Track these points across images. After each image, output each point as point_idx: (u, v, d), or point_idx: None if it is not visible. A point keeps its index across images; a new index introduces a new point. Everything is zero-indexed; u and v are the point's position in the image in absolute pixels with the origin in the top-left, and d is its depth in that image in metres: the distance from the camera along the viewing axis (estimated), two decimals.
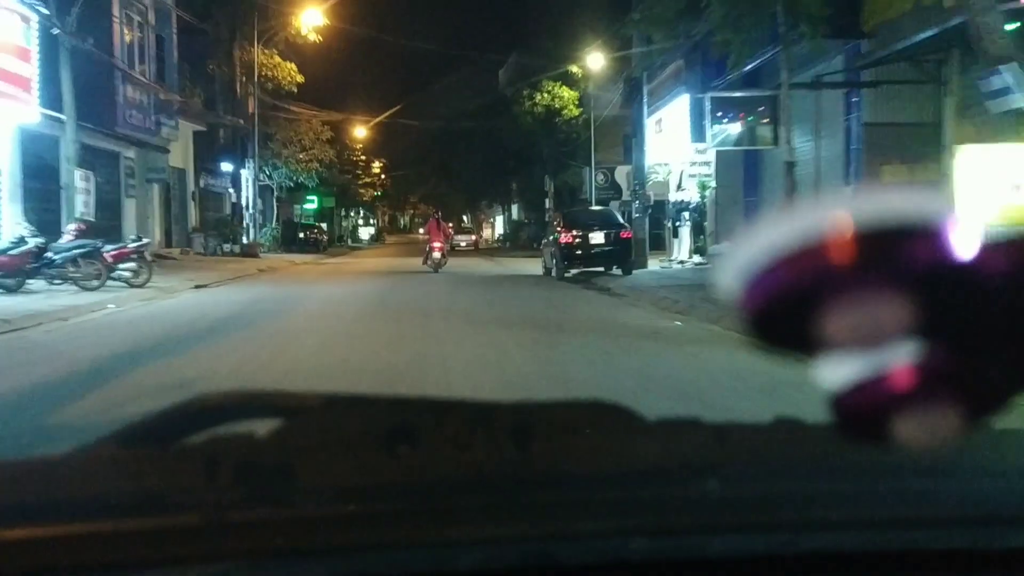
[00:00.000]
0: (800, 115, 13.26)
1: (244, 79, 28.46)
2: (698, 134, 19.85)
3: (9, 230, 14.35)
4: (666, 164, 22.69)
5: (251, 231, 30.10)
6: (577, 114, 34.19)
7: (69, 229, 14.05)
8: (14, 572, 0.66)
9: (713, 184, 20.10)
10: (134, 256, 13.97)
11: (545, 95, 34.84)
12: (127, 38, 21.36)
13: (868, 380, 0.40)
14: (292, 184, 33.86)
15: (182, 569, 0.67)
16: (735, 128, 15.04)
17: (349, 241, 58.72)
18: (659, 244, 22.04)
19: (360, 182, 52.90)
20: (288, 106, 31.70)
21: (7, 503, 0.80)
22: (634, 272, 17.36)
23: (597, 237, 17.31)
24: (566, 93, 34.69)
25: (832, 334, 0.39)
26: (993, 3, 8.59)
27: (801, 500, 0.81)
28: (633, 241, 17.70)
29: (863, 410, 0.41)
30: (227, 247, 27.67)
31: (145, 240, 14.42)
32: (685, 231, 21.58)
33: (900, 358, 0.40)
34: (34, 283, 13.02)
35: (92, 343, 8.08)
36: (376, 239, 72.61)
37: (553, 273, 18.21)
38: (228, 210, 30.39)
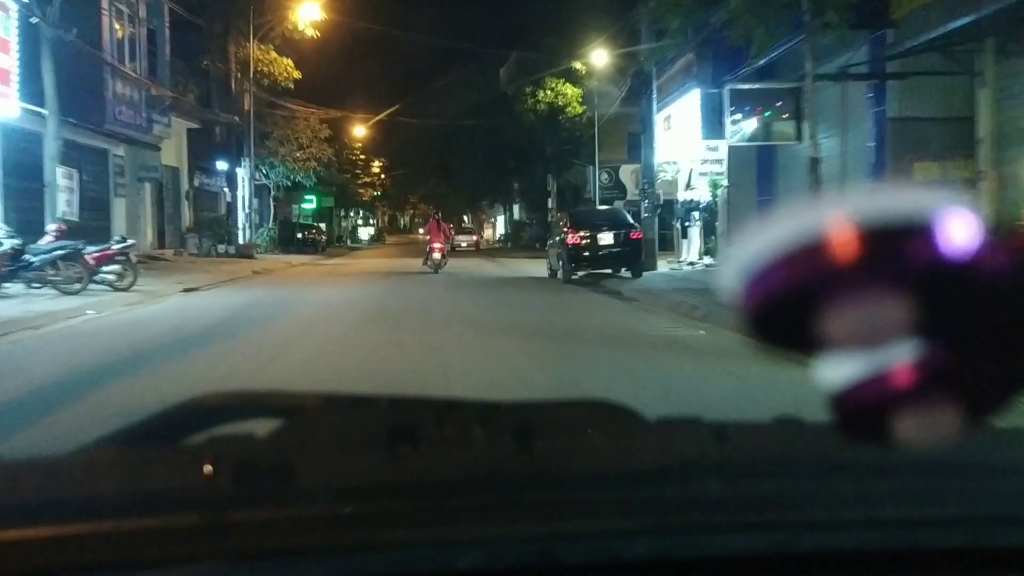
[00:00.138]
0: (822, 109, 12.48)
1: (239, 75, 27.67)
2: (710, 131, 19.11)
3: None
4: (674, 162, 21.95)
5: (247, 231, 29.32)
6: (581, 112, 33.44)
7: (49, 230, 13.31)
8: (15, 572, 0.66)
9: (725, 183, 19.31)
10: (118, 258, 13.22)
11: (548, 92, 34.10)
12: (117, 31, 20.57)
13: (868, 379, 0.41)
14: (289, 183, 33.06)
15: (183, 568, 0.67)
16: (750, 124, 14.19)
17: (348, 241, 58.05)
18: (665, 245, 21.29)
19: (359, 182, 52.17)
20: (285, 103, 30.92)
21: (8, 503, 0.80)
22: (644, 274, 16.63)
23: (606, 238, 16.55)
24: (569, 90, 33.96)
25: (832, 333, 0.40)
26: None
27: (802, 499, 0.81)
28: (643, 242, 16.94)
29: (863, 409, 0.41)
30: (222, 248, 26.92)
31: (130, 241, 13.65)
32: (694, 231, 20.87)
33: (900, 357, 0.40)
34: (12, 287, 12.27)
35: (59, 356, 7.33)
36: (376, 239, 71.99)
37: (559, 275, 17.46)
38: (223, 210, 29.64)
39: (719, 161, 19.49)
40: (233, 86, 27.72)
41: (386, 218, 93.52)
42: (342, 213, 58.96)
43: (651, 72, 18.67)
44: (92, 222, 18.75)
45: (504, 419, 1.07)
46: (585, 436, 1.04)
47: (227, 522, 0.73)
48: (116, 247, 13.25)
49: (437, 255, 19.95)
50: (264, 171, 31.51)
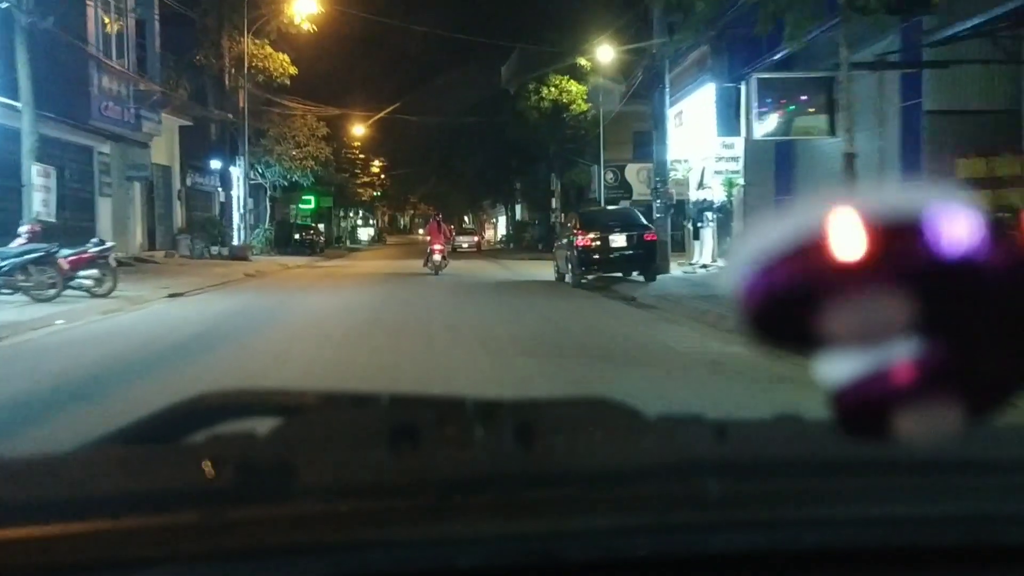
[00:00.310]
0: (855, 101, 11.48)
1: (233, 71, 26.70)
2: (726, 127, 18.18)
3: None
4: (685, 160, 21.02)
5: (242, 232, 28.34)
6: (586, 109, 32.47)
7: (22, 231, 12.38)
8: (16, 570, 0.66)
9: (741, 182, 18.36)
10: (96, 262, 12.25)
11: (552, 89, 33.12)
12: (103, 23, 19.62)
13: (868, 376, 0.41)
14: (286, 183, 32.02)
15: (184, 566, 0.67)
16: (777, 118, 13.18)
17: (348, 242, 57.15)
18: (675, 246, 20.33)
19: (359, 181, 51.21)
20: (281, 101, 29.95)
21: (10, 501, 0.80)
22: (657, 278, 15.68)
23: (618, 240, 15.59)
24: (574, 87, 32.98)
25: (832, 330, 0.40)
26: None
27: (803, 497, 0.81)
28: (657, 244, 15.99)
29: (864, 406, 0.42)
30: (215, 250, 25.97)
31: (109, 244, 12.67)
32: (707, 232, 19.94)
33: (900, 354, 0.41)
34: None
35: (6, 377, 6.39)
36: (377, 239, 71.11)
37: (567, 279, 16.52)
38: (217, 210, 28.69)
39: (735, 159, 18.58)
40: (227, 82, 26.73)
41: (386, 218, 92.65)
42: (341, 213, 58.05)
43: (664, 65, 17.70)
44: (75, 223, 17.82)
45: (505, 417, 1.05)
46: (586, 434, 1.03)
47: (228, 520, 0.73)
48: (93, 250, 12.29)
49: (437, 257, 19.69)
50: (260, 170, 30.52)
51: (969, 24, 10.66)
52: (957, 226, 0.39)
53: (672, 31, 17.86)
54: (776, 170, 18.05)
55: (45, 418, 4.82)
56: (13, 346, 8.21)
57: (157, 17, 22.57)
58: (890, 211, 0.39)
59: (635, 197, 32.48)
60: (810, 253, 0.39)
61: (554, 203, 37.32)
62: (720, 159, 18.57)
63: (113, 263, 12.47)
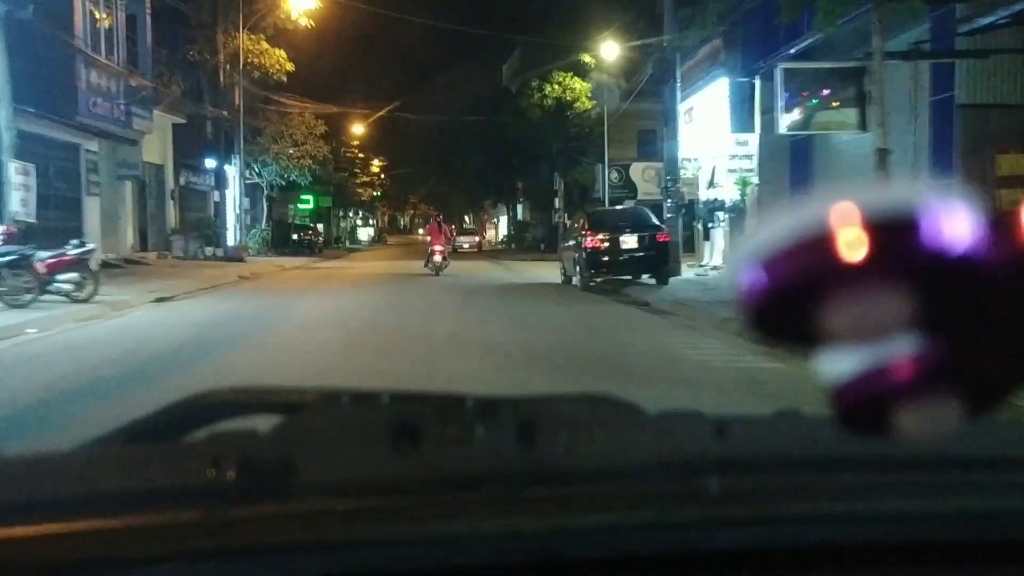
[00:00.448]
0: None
1: (228, 67, 25.92)
2: (739, 123, 17.46)
3: None
4: (695, 159, 20.26)
5: (238, 233, 27.58)
6: (590, 107, 31.70)
7: None
8: (19, 568, 0.66)
9: (755, 180, 17.59)
10: (76, 264, 11.51)
11: (556, 86, 32.34)
12: (92, 17, 18.84)
13: (869, 372, 0.41)
14: (283, 182, 31.19)
15: (185, 564, 0.67)
16: (798, 113, 12.36)
17: (347, 242, 56.42)
18: (685, 247, 19.57)
19: (358, 181, 50.42)
20: (278, 98, 29.18)
21: (11, 500, 0.80)
22: (669, 281, 14.93)
23: (629, 241, 14.83)
24: (578, 84, 32.21)
25: (832, 327, 0.40)
26: None
27: (804, 493, 0.81)
28: (670, 246, 15.23)
29: (865, 402, 0.42)
30: (210, 250, 25.22)
31: (90, 245, 11.92)
32: (718, 233, 19.21)
33: (901, 350, 0.41)
34: None
35: None
36: (378, 240, 70.41)
37: (574, 281, 15.77)
38: (212, 210, 27.92)
39: (749, 156, 17.81)
40: (222, 78, 25.96)
41: (386, 218, 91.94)
42: (341, 213, 57.32)
43: (675, 59, 16.94)
44: (60, 223, 17.06)
45: (506, 414, 1.04)
46: (587, 431, 1.02)
47: (229, 518, 0.73)
48: (73, 252, 11.54)
49: (438, 257, 19.81)
50: (256, 169, 29.72)
51: (1012, 11, 9.92)
52: (957, 223, 0.39)
53: (684, 24, 17.18)
54: (791, 168, 17.26)
55: None
56: None
57: (148, 11, 21.80)
58: (890, 208, 0.39)
59: (640, 197, 31.77)
60: (810, 250, 0.39)
61: (557, 203, 36.50)
62: (733, 157, 17.79)
63: (94, 266, 11.72)
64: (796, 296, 0.40)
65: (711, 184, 20.39)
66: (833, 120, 12.12)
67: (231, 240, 26.85)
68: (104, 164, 20.15)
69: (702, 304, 11.02)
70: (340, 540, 0.70)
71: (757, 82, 17.14)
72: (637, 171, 33.15)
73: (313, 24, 26.92)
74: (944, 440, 0.42)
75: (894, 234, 0.39)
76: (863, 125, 11.56)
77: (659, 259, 14.84)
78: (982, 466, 0.88)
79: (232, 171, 28.03)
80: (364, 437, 1.02)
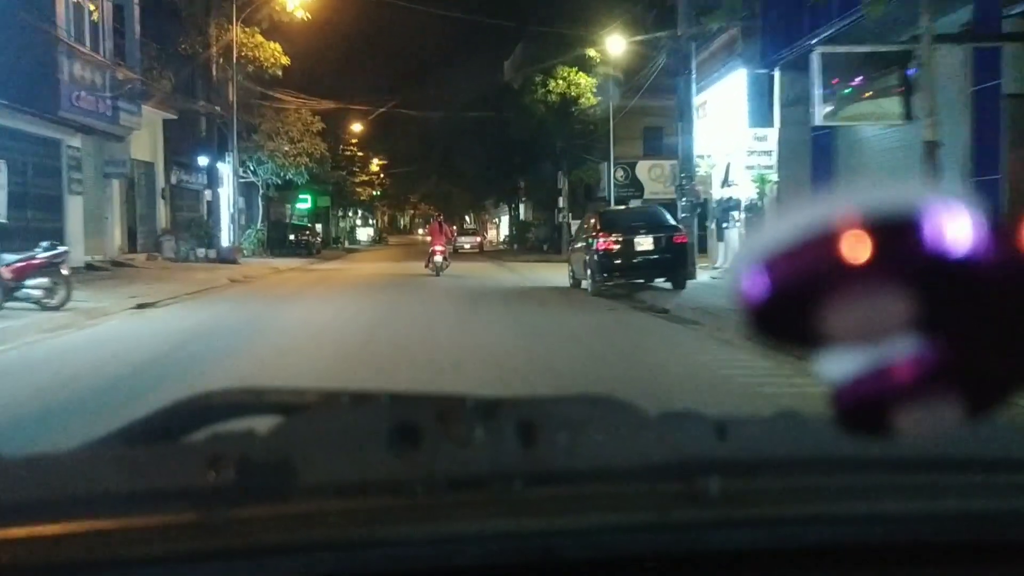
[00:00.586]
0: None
1: (221, 60, 24.96)
2: (758, 117, 16.50)
3: None
4: (708, 156, 19.31)
5: (232, 233, 26.61)
6: (596, 103, 30.74)
7: None
8: (19, 569, 0.66)
9: (774, 177, 16.62)
10: (46, 269, 10.58)
11: (560, 82, 31.34)
12: (76, 6, 17.88)
13: (869, 373, 0.41)
14: (280, 181, 30.18)
15: (184, 565, 0.68)
16: (835, 102, 11.34)
17: (346, 243, 55.49)
18: (698, 249, 18.65)
19: (357, 180, 49.44)
20: (274, 94, 28.20)
21: (11, 500, 0.80)
22: (686, 285, 13.98)
23: (644, 242, 13.87)
24: (583, 80, 31.22)
25: (833, 327, 0.40)
26: None
27: (804, 494, 0.82)
28: (687, 247, 14.28)
29: (865, 403, 0.42)
30: (202, 252, 24.28)
31: (61, 248, 10.98)
32: (732, 234, 18.30)
33: (902, 351, 0.41)
34: None
35: None
36: (379, 240, 69.53)
37: (584, 285, 14.82)
38: (205, 210, 26.96)
39: (767, 152, 16.83)
40: (215, 72, 25.01)
41: (386, 218, 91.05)
42: (340, 213, 56.38)
43: (690, 49, 15.99)
44: (40, 224, 16.13)
45: (505, 415, 1.03)
46: (586, 432, 1.01)
47: (228, 518, 0.73)
48: (42, 256, 10.60)
49: (439, 258, 20.02)
50: (251, 167, 28.72)
51: None
52: (957, 225, 0.39)
53: (699, 13, 16.24)
54: (813, 165, 16.29)
55: None
56: None
57: (136, 1, 20.82)
58: (892, 210, 0.39)
59: (646, 196, 30.86)
60: (812, 251, 0.39)
61: (561, 202, 35.57)
62: (751, 153, 16.82)
63: (65, 271, 10.77)
64: (797, 297, 0.40)
65: (725, 182, 19.46)
66: (873, 110, 11.13)
67: (225, 241, 25.92)
68: (89, 161, 19.21)
69: (727, 312, 10.05)
70: (340, 541, 0.71)
71: (777, 73, 16.21)
72: (644, 169, 32.24)
73: (309, 17, 25.96)
74: (944, 441, 0.41)
75: (894, 236, 0.38)
76: (908, 115, 10.59)
77: (676, 262, 13.89)
78: (982, 467, 0.87)
79: (226, 169, 27.08)
80: (364, 438, 0.99)
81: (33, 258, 10.52)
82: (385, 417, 1.05)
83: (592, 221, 14.90)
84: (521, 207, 48.60)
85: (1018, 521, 0.78)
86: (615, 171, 30.82)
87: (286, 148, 28.18)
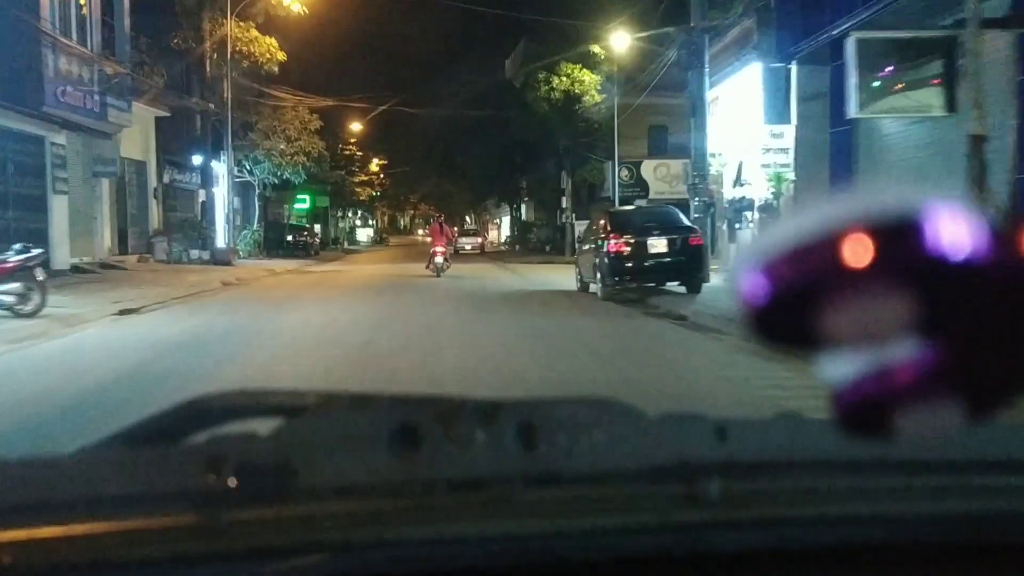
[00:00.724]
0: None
1: (215, 56, 24.21)
2: (775, 113, 15.80)
3: None
4: (720, 154, 18.58)
5: (227, 234, 25.88)
6: (600, 100, 30.00)
7: None
8: (19, 571, 0.66)
9: (791, 176, 15.89)
10: (19, 273, 9.85)
11: (564, 79, 30.59)
12: None
13: (870, 375, 0.41)
14: (277, 181, 29.43)
15: (185, 567, 0.68)
16: (872, 93, 10.54)
17: (345, 244, 54.75)
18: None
19: (356, 180, 48.69)
20: (270, 91, 27.46)
21: (11, 502, 0.80)
22: (701, 289, 13.24)
23: (658, 244, 13.14)
24: (587, 77, 30.48)
25: (834, 330, 0.40)
26: None
27: (804, 496, 0.81)
28: (703, 250, 13.53)
29: (866, 405, 0.42)
30: (196, 253, 23.55)
31: (35, 251, 10.23)
32: (746, 235, 17.58)
33: (902, 354, 0.41)
34: None
35: None
36: (379, 241, 68.83)
37: (592, 288, 14.09)
38: (199, 210, 26.21)
39: (784, 150, 16.08)
40: (208, 69, 24.27)
41: (385, 219, 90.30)
42: (339, 214, 55.63)
43: (703, 41, 15.25)
44: (22, 224, 15.41)
45: (506, 417, 1.00)
46: (587, 433, 1.01)
47: (229, 521, 0.73)
48: (15, 259, 9.88)
49: (440, 259, 20.04)
50: (247, 166, 27.98)
51: None
52: (958, 227, 0.39)
53: (711, 5, 15.54)
54: (832, 163, 15.54)
55: None
56: None
57: None
58: (893, 213, 0.39)
59: (652, 196, 30.13)
60: (813, 254, 0.39)
61: (564, 202, 34.84)
62: (767, 150, 16.08)
63: (39, 275, 10.04)
64: (798, 300, 0.40)
65: (737, 182, 18.74)
66: (907, 103, 10.38)
67: (220, 242, 25.20)
68: (76, 159, 18.47)
69: None
70: (341, 543, 0.71)
71: (794, 67, 15.50)
72: (649, 168, 31.51)
73: (306, 11, 25.22)
74: (946, 443, 0.43)
75: (895, 238, 0.39)
76: (951, 107, 9.85)
77: (691, 265, 13.16)
78: (983, 469, 0.87)
79: (221, 168, 26.35)
80: (364, 440, 0.98)
81: (5, 262, 9.79)
82: (385, 419, 1.03)
83: (602, 222, 14.15)
84: (523, 207, 47.87)
85: (1019, 523, 0.77)
86: (620, 170, 30.11)
87: (283, 147, 27.43)
